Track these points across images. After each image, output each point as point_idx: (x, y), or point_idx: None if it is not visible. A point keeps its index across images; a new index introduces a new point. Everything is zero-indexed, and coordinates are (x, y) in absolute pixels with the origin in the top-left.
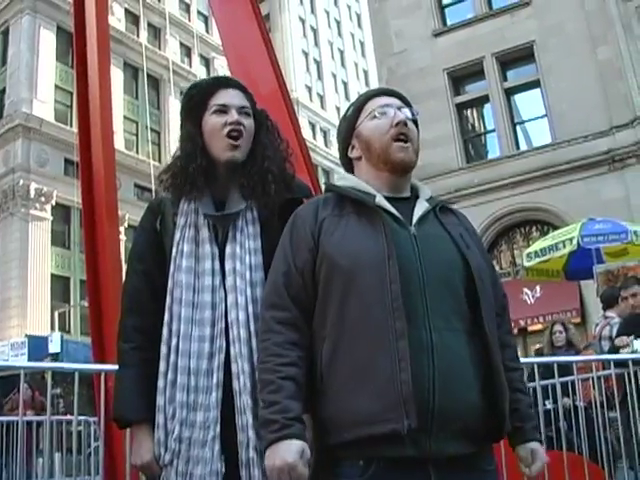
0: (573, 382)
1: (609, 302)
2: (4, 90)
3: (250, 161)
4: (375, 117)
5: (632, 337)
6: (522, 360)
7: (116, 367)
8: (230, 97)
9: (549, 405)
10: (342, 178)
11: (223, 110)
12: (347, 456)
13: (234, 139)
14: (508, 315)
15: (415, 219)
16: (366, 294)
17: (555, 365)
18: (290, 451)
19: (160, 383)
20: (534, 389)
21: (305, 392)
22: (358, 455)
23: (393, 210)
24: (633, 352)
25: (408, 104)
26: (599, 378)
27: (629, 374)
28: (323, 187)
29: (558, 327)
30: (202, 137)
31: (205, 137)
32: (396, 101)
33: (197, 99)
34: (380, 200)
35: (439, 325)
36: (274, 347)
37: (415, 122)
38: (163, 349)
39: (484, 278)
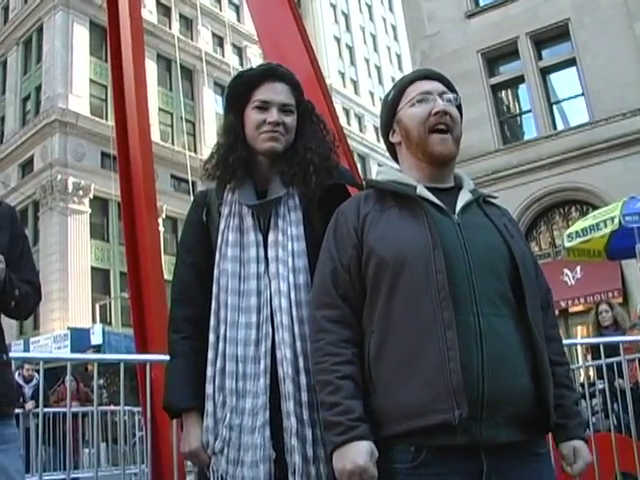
0: (619, 363)
1: None
2: (40, 86)
3: (291, 151)
4: (414, 104)
5: None
6: (567, 341)
7: (160, 357)
8: (273, 93)
9: (601, 385)
10: (381, 172)
11: (264, 107)
12: (398, 443)
13: (272, 134)
14: (553, 310)
15: (458, 208)
16: (413, 286)
17: (601, 346)
18: (360, 453)
19: (209, 371)
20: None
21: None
22: (409, 443)
23: (435, 199)
24: None
25: (451, 88)
26: None
27: None
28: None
29: (604, 307)
30: (243, 129)
31: (246, 129)
32: (438, 86)
33: (241, 90)
34: (421, 190)
35: (487, 311)
36: (328, 346)
37: (458, 107)
38: (211, 337)
39: (528, 267)
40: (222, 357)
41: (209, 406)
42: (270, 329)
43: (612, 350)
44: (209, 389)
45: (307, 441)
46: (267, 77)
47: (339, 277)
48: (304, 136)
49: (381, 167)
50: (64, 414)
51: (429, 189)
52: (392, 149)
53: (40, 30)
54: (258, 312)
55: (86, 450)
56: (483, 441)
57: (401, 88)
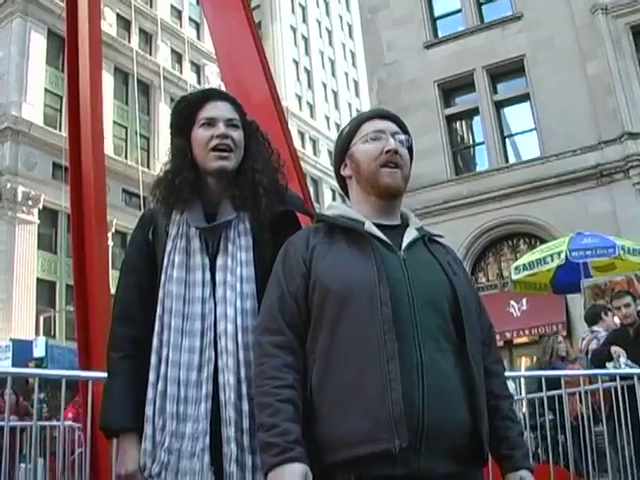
0: (560, 396)
1: (593, 319)
2: None
3: (241, 174)
4: (367, 141)
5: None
6: (511, 374)
7: (103, 374)
8: (218, 110)
9: (550, 417)
10: (331, 207)
11: (210, 123)
12: (337, 472)
13: (221, 152)
14: (495, 345)
15: (404, 245)
16: (358, 317)
17: (543, 379)
18: (294, 474)
19: (149, 394)
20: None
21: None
22: (349, 471)
23: (382, 236)
24: (616, 367)
25: (404, 129)
26: (586, 392)
27: (616, 388)
28: (312, 195)
29: (561, 338)
30: (191, 150)
31: (194, 150)
32: (392, 126)
33: (185, 113)
34: (369, 226)
35: (429, 345)
36: (270, 370)
37: (410, 148)
38: (153, 359)
39: (470, 304)
40: (164, 380)
41: (148, 429)
42: (213, 354)
43: (558, 382)
44: (149, 411)
45: (247, 468)
46: (209, 97)
47: (286, 304)
48: (251, 156)
49: (332, 202)
50: (1, 428)
51: (377, 226)
52: (342, 182)
53: None
54: (202, 336)
55: (22, 465)
56: (421, 472)
57: (357, 124)
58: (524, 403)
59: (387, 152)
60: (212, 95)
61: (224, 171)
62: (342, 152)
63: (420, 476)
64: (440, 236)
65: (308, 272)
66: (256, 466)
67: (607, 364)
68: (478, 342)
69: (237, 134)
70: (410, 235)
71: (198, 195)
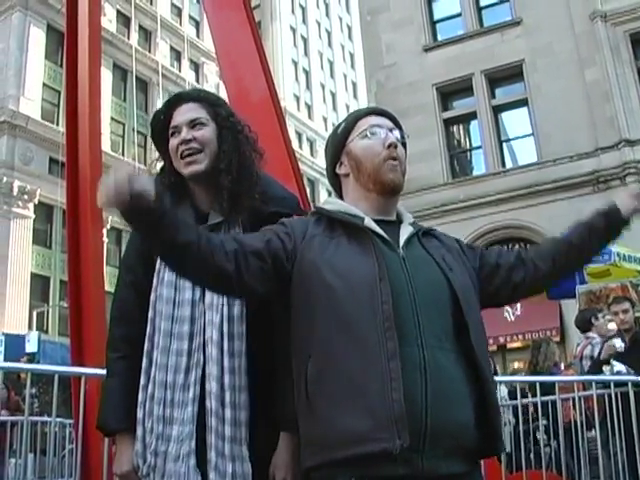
0: (554, 401)
1: (584, 326)
2: None
3: (217, 176)
4: (366, 136)
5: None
6: (504, 378)
7: (96, 370)
8: (181, 115)
9: (544, 422)
10: (328, 202)
11: (176, 132)
12: (337, 473)
13: (187, 158)
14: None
15: (402, 242)
16: (357, 314)
17: (537, 384)
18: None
19: (140, 396)
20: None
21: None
22: (349, 473)
23: (382, 232)
24: (614, 374)
25: (398, 125)
26: (580, 398)
27: (610, 395)
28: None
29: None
30: (171, 160)
31: (173, 160)
32: (387, 122)
33: (159, 127)
34: (369, 222)
35: (431, 343)
36: None
37: (404, 144)
38: (144, 362)
39: (470, 300)
40: (152, 383)
41: (139, 431)
42: (202, 357)
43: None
44: (139, 414)
45: (227, 475)
46: (176, 104)
47: (272, 239)
48: (222, 154)
49: (329, 198)
50: None
51: (375, 221)
52: (336, 181)
53: None
54: (190, 339)
55: (12, 460)
56: (424, 472)
57: (351, 122)
58: (519, 409)
59: (389, 146)
60: (178, 101)
61: (197, 175)
62: (337, 150)
63: (423, 476)
64: (433, 230)
65: (294, 252)
66: (235, 474)
67: (604, 368)
68: (483, 338)
69: (201, 133)
70: (406, 231)
71: (189, 198)
